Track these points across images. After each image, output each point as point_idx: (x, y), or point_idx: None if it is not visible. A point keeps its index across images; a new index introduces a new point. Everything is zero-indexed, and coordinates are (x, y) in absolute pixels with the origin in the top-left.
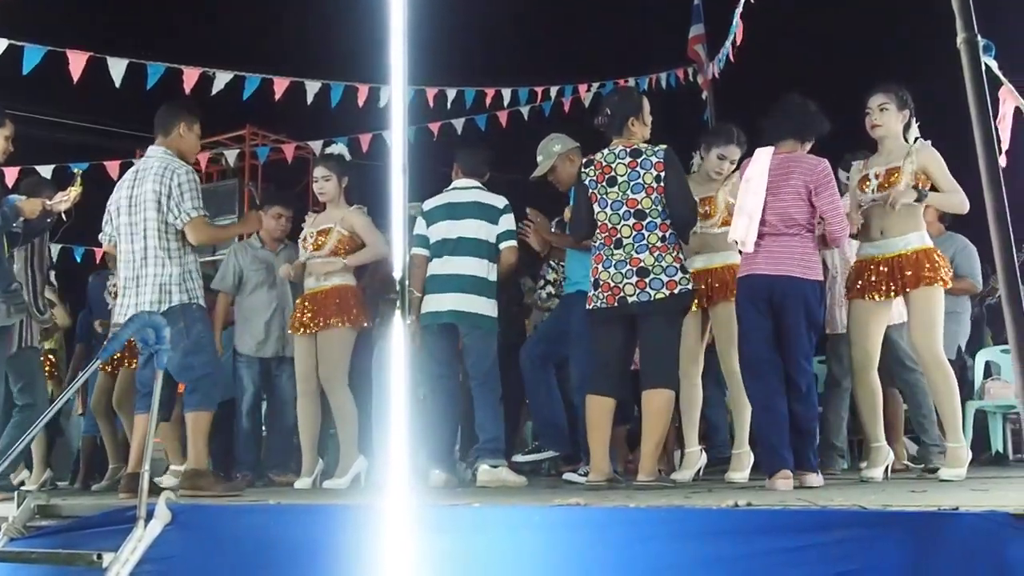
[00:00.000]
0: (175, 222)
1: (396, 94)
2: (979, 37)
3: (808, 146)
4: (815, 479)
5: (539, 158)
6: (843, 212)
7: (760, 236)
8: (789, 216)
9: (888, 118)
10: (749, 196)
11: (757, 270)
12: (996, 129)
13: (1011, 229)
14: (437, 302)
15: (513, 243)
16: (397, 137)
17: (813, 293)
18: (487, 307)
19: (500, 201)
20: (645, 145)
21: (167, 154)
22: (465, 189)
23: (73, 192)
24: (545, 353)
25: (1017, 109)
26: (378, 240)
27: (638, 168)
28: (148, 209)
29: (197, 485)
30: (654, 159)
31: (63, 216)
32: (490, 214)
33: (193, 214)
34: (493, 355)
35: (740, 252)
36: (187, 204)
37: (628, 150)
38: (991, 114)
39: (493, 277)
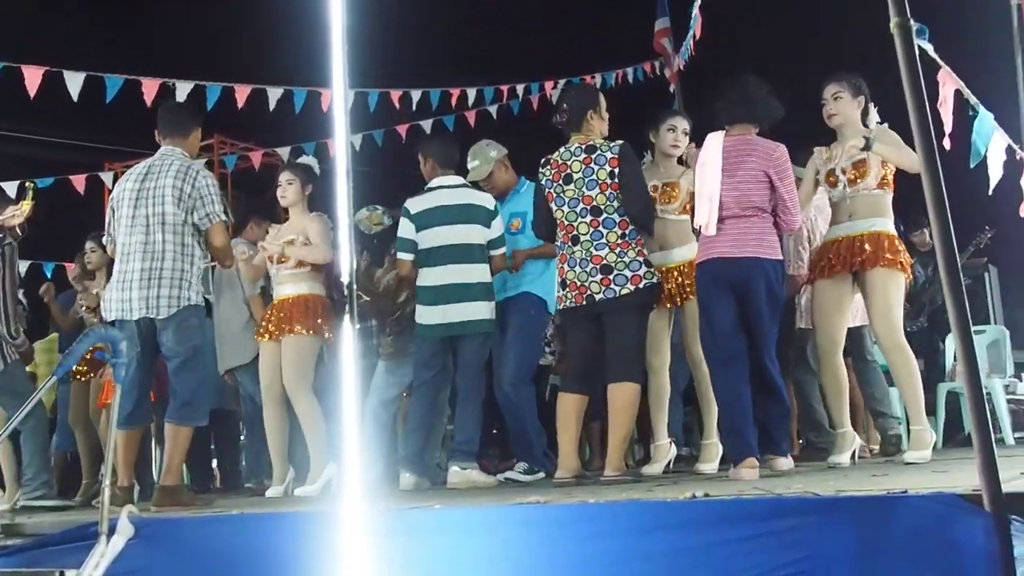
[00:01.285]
0: (200, 221)
1: (337, 98)
2: (912, 21)
3: (758, 130)
4: (784, 463)
5: (474, 163)
6: (797, 198)
7: (719, 220)
8: (746, 199)
9: (843, 106)
10: (707, 180)
11: (717, 253)
12: (938, 112)
13: (949, 211)
14: (440, 314)
15: (504, 250)
16: (340, 142)
17: (775, 271)
18: (488, 311)
19: (489, 201)
20: (601, 141)
21: (185, 155)
22: (453, 188)
23: (25, 205)
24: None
25: (957, 92)
26: (325, 244)
27: (592, 164)
28: (167, 203)
29: (178, 501)
30: (609, 155)
31: (17, 230)
32: (482, 216)
33: (223, 217)
34: (486, 356)
35: (697, 237)
36: (217, 207)
37: (583, 147)
38: (926, 98)
39: (489, 278)
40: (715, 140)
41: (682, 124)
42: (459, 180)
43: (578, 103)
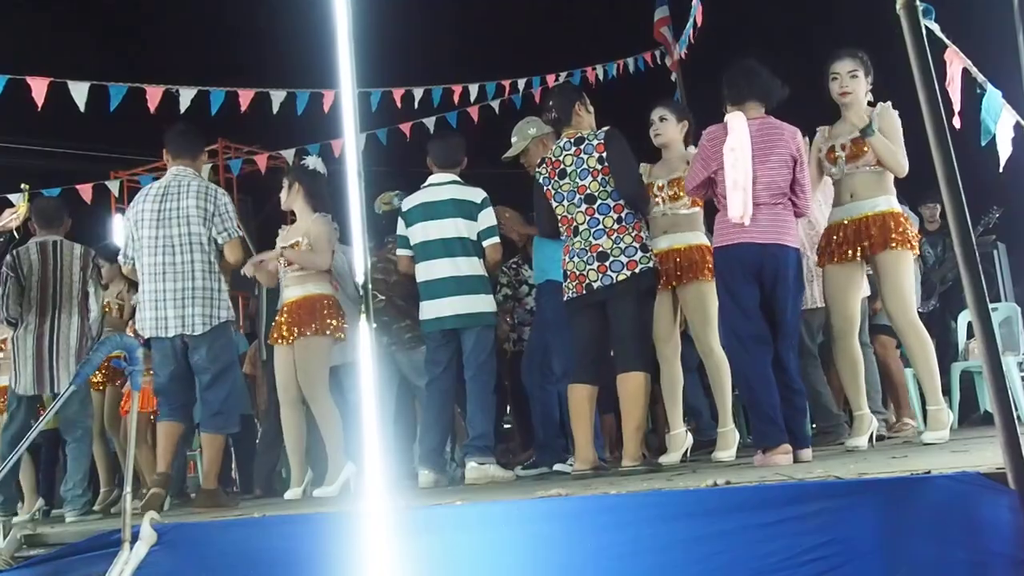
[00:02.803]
0: (218, 236)
1: (346, 98)
2: (918, 1)
3: (766, 109)
4: (808, 454)
5: (513, 139)
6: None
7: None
8: (776, 184)
9: (858, 85)
10: (739, 169)
11: (746, 239)
12: (946, 92)
13: (962, 191)
14: (437, 308)
15: (496, 240)
16: (350, 141)
17: (798, 259)
18: (486, 303)
19: (477, 195)
20: (588, 132)
21: (198, 176)
22: (441, 185)
23: (22, 208)
24: (544, 366)
25: (965, 70)
26: (324, 250)
27: (582, 154)
28: (193, 224)
29: (218, 503)
30: (595, 141)
31: (14, 233)
32: (468, 210)
33: (240, 233)
34: (491, 347)
35: (705, 229)
36: (232, 224)
37: (572, 140)
38: (935, 77)
39: (484, 272)
40: (741, 123)
41: (656, 113)
42: (449, 177)
43: (564, 98)
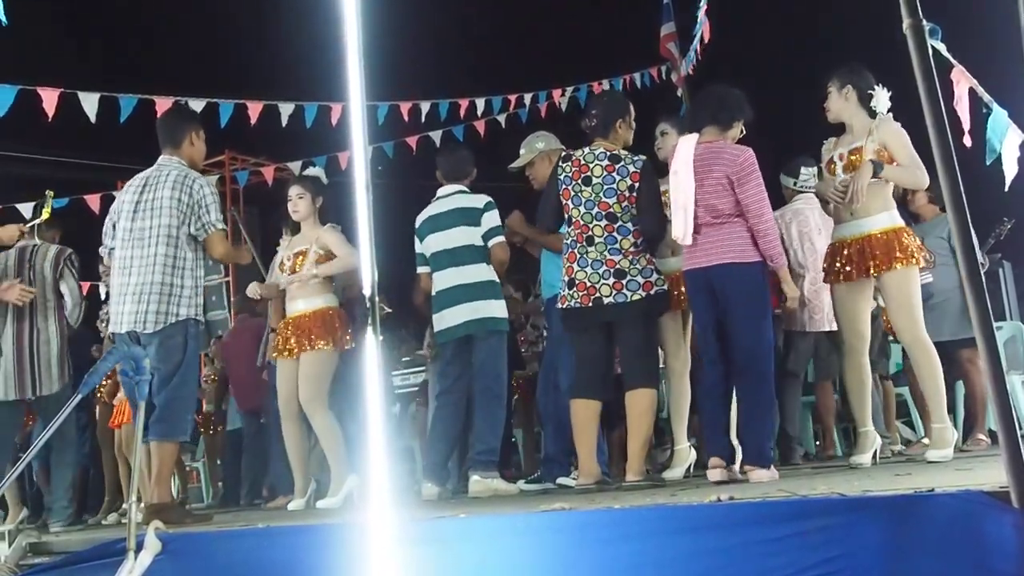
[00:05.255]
0: (198, 232)
1: (355, 110)
2: (924, 21)
3: (732, 133)
4: (763, 474)
5: (521, 151)
6: (768, 206)
7: (695, 230)
8: (715, 207)
9: (831, 102)
10: (679, 190)
11: (694, 264)
12: (955, 111)
13: (967, 209)
14: (450, 316)
15: (501, 239)
16: (359, 154)
17: (754, 275)
18: (498, 308)
19: (480, 200)
20: (625, 153)
21: (182, 164)
22: (446, 197)
23: (45, 212)
24: (558, 380)
25: (971, 90)
26: (349, 252)
27: (615, 173)
28: (164, 215)
29: (166, 520)
30: (631, 168)
31: (36, 238)
32: (472, 216)
33: (219, 226)
34: (504, 356)
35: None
36: (212, 216)
37: (608, 153)
38: (941, 98)
39: (495, 277)
40: (686, 146)
41: (658, 129)
42: (455, 188)
43: (607, 111)
